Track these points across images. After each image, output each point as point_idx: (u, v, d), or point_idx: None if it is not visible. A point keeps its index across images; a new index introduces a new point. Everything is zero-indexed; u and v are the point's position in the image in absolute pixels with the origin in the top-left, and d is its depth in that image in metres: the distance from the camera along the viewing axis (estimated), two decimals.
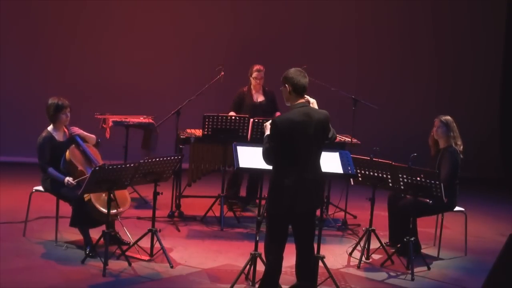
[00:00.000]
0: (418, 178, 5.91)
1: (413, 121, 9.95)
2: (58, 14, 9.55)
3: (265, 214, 5.04)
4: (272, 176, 4.75)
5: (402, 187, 6.03)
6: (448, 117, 6.48)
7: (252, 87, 7.64)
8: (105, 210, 5.79)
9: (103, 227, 5.85)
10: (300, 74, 4.75)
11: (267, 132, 4.82)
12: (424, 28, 10.32)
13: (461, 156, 6.40)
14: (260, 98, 7.66)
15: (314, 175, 4.75)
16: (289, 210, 4.70)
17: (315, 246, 5.09)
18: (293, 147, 4.66)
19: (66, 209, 6.20)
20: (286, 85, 4.75)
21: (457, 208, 6.46)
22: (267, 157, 4.71)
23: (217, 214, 7.18)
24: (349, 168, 5.40)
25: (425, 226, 6.90)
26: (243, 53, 9.69)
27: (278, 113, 7.56)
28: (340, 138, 7.43)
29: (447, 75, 10.42)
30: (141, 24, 9.74)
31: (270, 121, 4.80)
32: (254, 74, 7.56)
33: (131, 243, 6.10)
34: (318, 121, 4.72)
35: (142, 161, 5.72)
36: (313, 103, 4.89)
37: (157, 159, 5.82)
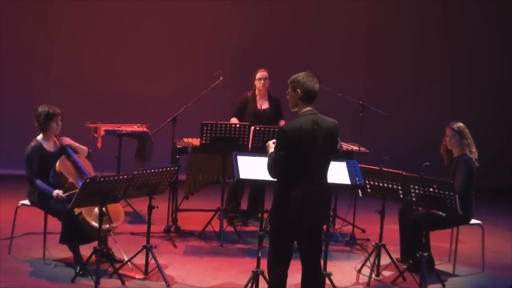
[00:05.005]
0: (431, 189, 5.90)
1: (425, 128, 9.98)
2: (41, 16, 9.55)
3: (268, 228, 5.02)
4: (277, 188, 4.74)
5: (414, 199, 6.02)
6: (460, 124, 6.46)
7: (256, 92, 7.65)
8: (97, 225, 5.78)
9: (95, 244, 5.84)
10: (312, 80, 4.75)
11: (271, 149, 4.81)
12: (436, 30, 10.36)
13: (477, 164, 6.38)
14: (264, 105, 7.67)
15: (321, 187, 4.75)
16: (295, 225, 4.70)
17: (322, 262, 5.08)
18: (301, 158, 4.65)
19: (54, 224, 6.19)
20: (298, 90, 4.73)
21: (473, 221, 6.45)
22: (275, 170, 4.69)
23: (217, 229, 7.17)
24: (357, 178, 5.38)
25: (439, 240, 6.89)
26: (245, 57, 9.74)
27: (282, 122, 7.57)
28: (347, 146, 7.43)
29: (461, 79, 10.44)
30: (134, 26, 9.78)
31: (275, 138, 4.81)
32: (258, 75, 7.56)
33: (125, 261, 6.09)
34: (328, 130, 4.72)
35: (136, 172, 5.72)
36: None
37: (152, 171, 5.82)
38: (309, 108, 4.73)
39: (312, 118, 4.69)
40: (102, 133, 7.66)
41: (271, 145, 4.84)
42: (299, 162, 4.64)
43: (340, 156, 5.03)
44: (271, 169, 4.71)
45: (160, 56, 9.82)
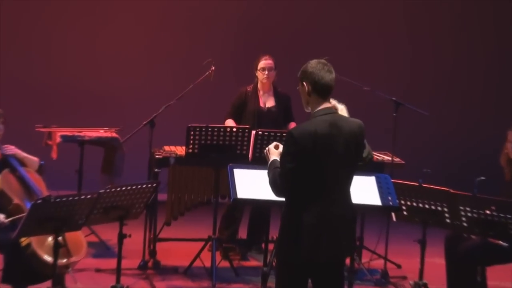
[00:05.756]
0: (488, 212, 5.85)
1: (478, 133, 10.04)
2: None
3: (274, 263, 5.00)
4: (285, 211, 4.72)
5: (465, 224, 5.97)
6: None
7: (259, 86, 7.66)
8: (50, 260, 5.75)
9: (48, 284, 5.81)
10: (323, 68, 4.73)
11: (273, 157, 4.80)
12: (485, 16, 10.45)
13: None
14: (269, 102, 7.70)
15: (343, 209, 4.73)
16: (310, 259, 4.67)
17: None
18: (316, 171, 4.63)
19: None
20: (304, 83, 4.74)
21: None
22: (280, 186, 4.68)
23: (207, 264, 7.17)
24: (389, 198, 5.39)
25: (498, 278, 6.85)
26: (244, 41, 9.77)
27: (293, 124, 7.59)
28: (377, 156, 7.43)
29: None
30: (99, 8, 9.83)
31: (274, 143, 4.81)
32: (261, 64, 7.57)
33: None
34: (350, 134, 4.71)
35: (103, 191, 5.68)
36: (341, 110, 4.87)
37: (124, 189, 5.80)
38: (324, 106, 4.73)
39: (329, 119, 4.68)
40: (58, 139, 7.66)
41: (273, 150, 4.82)
42: (313, 176, 4.63)
43: (368, 166, 4.97)
44: (276, 185, 4.69)
45: (133, 43, 9.88)
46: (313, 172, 4.63)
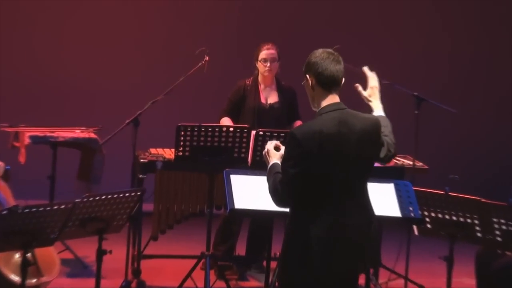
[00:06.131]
0: None
1: None
2: None
3: (276, 283, 4.99)
4: (290, 223, 4.73)
5: (499, 239, 5.96)
6: None
7: (260, 79, 7.68)
8: (18, 280, 5.77)
9: None
10: (328, 57, 4.76)
11: (273, 160, 4.81)
12: None
13: None
14: (272, 97, 7.72)
15: (358, 219, 4.72)
16: (318, 278, 4.67)
17: None
18: (324, 176, 4.64)
19: None
20: (308, 76, 4.77)
21: None
22: (282, 195, 4.69)
23: (200, 284, 7.14)
24: (410, 208, 5.42)
25: None
26: (244, 26, 9.79)
27: (298, 123, 7.61)
28: (395, 160, 7.45)
29: None
30: None
31: (274, 142, 4.83)
32: (263, 55, 7.59)
33: None
34: (363, 132, 4.72)
35: (79, 200, 5.67)
36: (372, 77, 5.00)
37: (104, 197, 5.79)
38: (332, 101, 4.74)
39: (338, 116, 4.70)
40: (27, 141, 7.64)
41: (273, 152, 4.83)
42: (321, 183, 4.64)
43: (386, 172, 4.98)
44: (276, 194, 4.69)
45: (114, 31, 9.90)
46: (320, 178, 4.64)
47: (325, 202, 4.65)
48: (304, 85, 4.81)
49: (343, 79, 4.75)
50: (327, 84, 4.71)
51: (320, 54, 4.77)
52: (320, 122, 4.68)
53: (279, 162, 4.74)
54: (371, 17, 10.29)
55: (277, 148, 4.82)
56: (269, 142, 4.90)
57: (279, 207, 4.76)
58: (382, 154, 4.83)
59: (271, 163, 4.81)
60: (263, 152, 4.90)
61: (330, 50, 4.81)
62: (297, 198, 4.66)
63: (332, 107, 4.70)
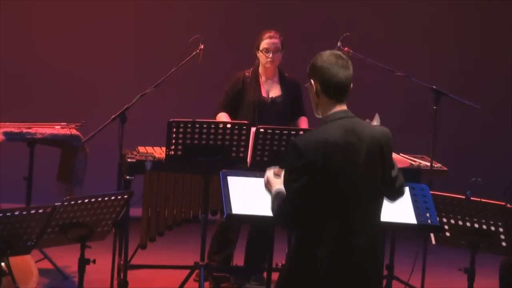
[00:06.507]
0: None
1: None
2: None
3: None
4: (295, 241, 4.76)
5: None
6: None
7: (261, 71, 7.72)
8: None
9: None
10: (337, 62, 4.74)
11: (275, 187, 4.78)
12: None
13: None
14: (274, 91, 7.75)
15: (367, 237, 4.72)
16: None
17: None
18: (330, 190, 4.66)
19: None
20: (312, 81, 4.77)
21: None
22: (285, 213, 4.68)
23: None
24: (427, 215, 5.41)
25: None
26: (243, 14, 9.81)
27: (303, 119, 7.70)
28: (411, 161, 7.47)
29: None
30: None
31: (272, 169, 4.81)
32: (264, 44, 7.61)
33: None
34: (373, 142, 4.72)
35: (59, 203, 5.70)
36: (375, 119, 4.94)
37: (87, 201, 5.81)
38: (338, 108, 4.74)
39: (345, 125, 4.70)
40: (1, 138, 7.64)
41: (274, 180, 4.81)
42: (327, 197, 4.66)
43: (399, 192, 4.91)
44: (280, 214, 4.70)
45: (99, 17, 9.92)
46: (326, 192, 4.64)
47: (331, 218, 4.64)
48: (308, 89, 4.79)
49: (351, 85, 4.71)
50: (333, 92, 4.70)
51: (327, 58, 4.72)
52: (325, 130, 4.68)
53: (282, 187, 4.71)
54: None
55: (277, 175, 4.79)
56: (267, 170, 4.85)
57: (288, 231, 4.74)
58: (394, 174, 4.78)
59: (274, 191, 4.78)
60: (264, 182, 4.85)
61: (338, 52, 4.79)
62: (303, 214, 4.63)
63: (338, 114, 4.70)
